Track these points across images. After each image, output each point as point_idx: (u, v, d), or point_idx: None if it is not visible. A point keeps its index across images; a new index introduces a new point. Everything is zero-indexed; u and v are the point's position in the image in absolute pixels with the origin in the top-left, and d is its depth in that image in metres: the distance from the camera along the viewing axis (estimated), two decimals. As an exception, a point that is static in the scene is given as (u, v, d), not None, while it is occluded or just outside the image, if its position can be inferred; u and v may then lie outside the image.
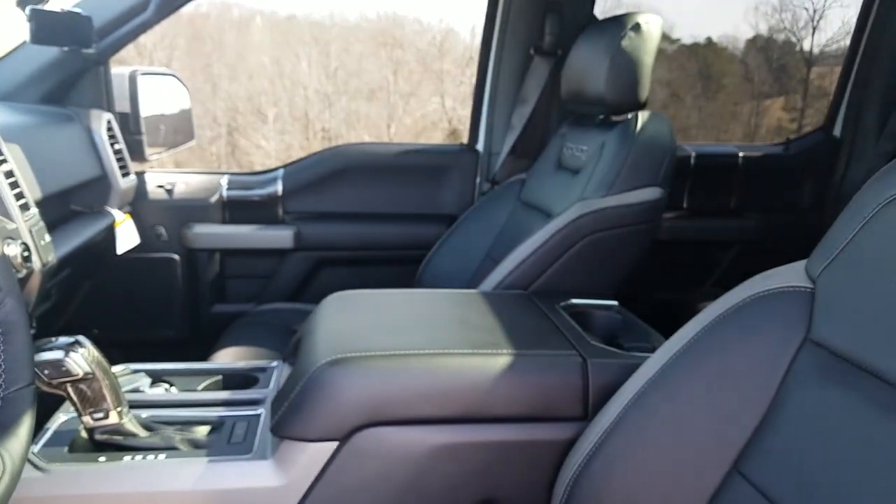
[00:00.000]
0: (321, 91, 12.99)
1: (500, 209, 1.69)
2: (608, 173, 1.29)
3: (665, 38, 13.37)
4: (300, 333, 1.07)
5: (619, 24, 1.36)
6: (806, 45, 13.58)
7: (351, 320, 1.01)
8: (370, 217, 1.93)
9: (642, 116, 1.36)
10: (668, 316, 1.13)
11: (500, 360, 0.88)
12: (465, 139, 2.03)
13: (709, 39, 13.57)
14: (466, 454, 0.87)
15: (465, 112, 2.00)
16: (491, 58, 1.88)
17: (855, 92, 1.99)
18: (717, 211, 2.03)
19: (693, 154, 1.99)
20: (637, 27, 1.35)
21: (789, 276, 0.75)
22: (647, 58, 1.36)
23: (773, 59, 13.63)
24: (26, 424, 0.62)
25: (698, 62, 13.08)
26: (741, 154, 2.02)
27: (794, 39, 13.79)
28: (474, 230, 1.70)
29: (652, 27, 1.37)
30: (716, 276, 2.04)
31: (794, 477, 0.65)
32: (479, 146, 1.96)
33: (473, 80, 1.98)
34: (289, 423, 0.84)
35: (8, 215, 1.03)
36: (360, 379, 0.84)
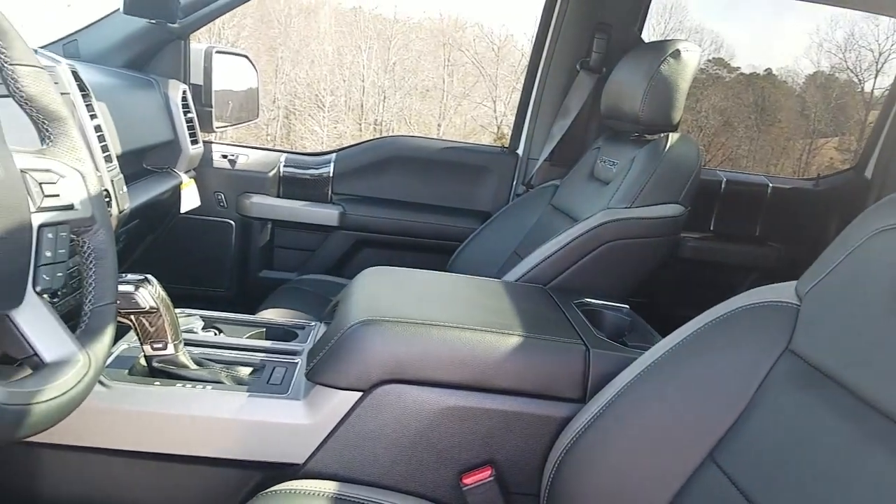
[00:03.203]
0: (378, 84, 13.19)
1: (531, 211, 1.79)
2: (633, 187, 1.38)
3: (723, 65, 13.20)
4: (338, 299, 1.18)
5: (661, 49, 1.45)
6: (868, 87, 13.19)
7: (384, 291, 1.11)
8: (411, 205, 2.05)
9: (672, 137, 1.44)
10: None
11: (511, 339, 0.97)
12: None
13: (768, 71, 13.31)
14: (472, 418, 0.95)
15: (515, 119, 2.10)
16: (539, 70, 1.98)
17: (890, 136, 2.03)
18: (741, 237, 2.09)
19: (724, 180, 2.06)
20: (677, 54, 1.43)
21: (780, 292, 0.83)
22: (683, 84, 1.45)
23: (833, 97, 13.29)
24: (109, 333, 0.73)
25: (754, 93, 12.88)
26: (771, 185, 2.08)
27: (856, 80, 13.40)
28: (505, 228, 1.80)
29: (691, 55, 1.45)
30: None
31: (762, 470, 0.72)
32: (520, 150, 2.06)
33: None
34: (322, 371, 0.95)
35: (95, 164, 1.16)
36: (387, 340, 0.94)
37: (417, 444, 0.95)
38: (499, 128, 12.65)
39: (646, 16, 1.91)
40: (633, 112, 1.46)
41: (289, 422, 0.94)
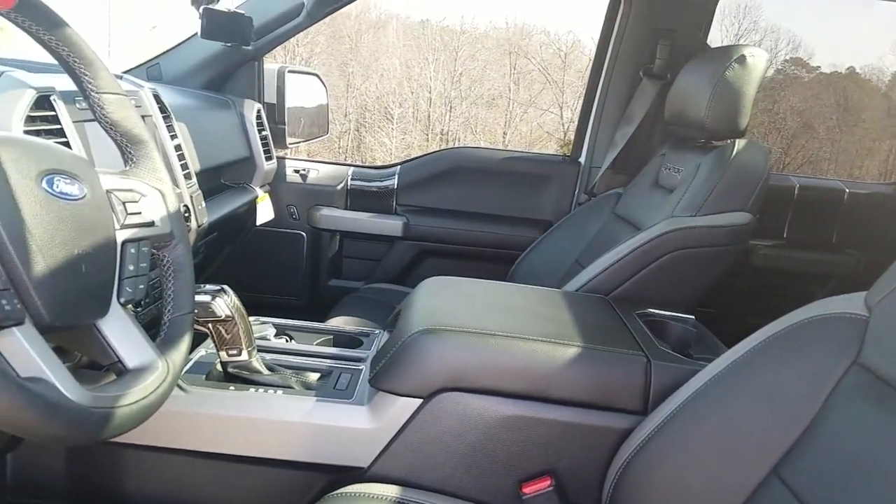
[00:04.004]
0: (444, 95, 13.32)
1: (594, 219, 1.78)
2: (699, 194, 1.35)
3: (802, 65, 12.58)
4: (400, 307, 1.21)
5: (726, 54, 1.42)
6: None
7: (444, 300, 1.14)
8: (473, 215, 2.08)
9: (739, 143, 1.40)
10: None
11: (571, 350, 0.97)
12: (576, 151, 2.13)
13: (850, 70, 12.57)
14: (531, 428, 0.96)
15: (583, 124, 2.09)
16: (601, 77, 1.97)
17: None
18: (816, 244, 2.00)
19: (797, 185, 1.98)
20: (742, 59, 1.40)
21: (848, 303, 0.80)
22: (750, 89, 1.41)
23: (923, 95, 12.41)
24: (186, 342, 0.77)
25: (836, 93, 12.19)
26: (847, 190, 1.98)
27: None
28: (567, 237, 1.80)
29: (757, 60, 1.41)
30: None
31: (828, 485, 0.70)
32: (582, 159, 2.06)
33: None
34: (384, 377, 0.98)
35: (175, 182, 1.23)
36: (446, 348, 0.96)
37: (477, 452, 0.97)
38: (565, 134, 12.52)
39: (711, 21, 1.88)
40: (698, 118, 1.44)
41: (354, 426, 0.98)
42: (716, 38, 1.90)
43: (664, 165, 1.61)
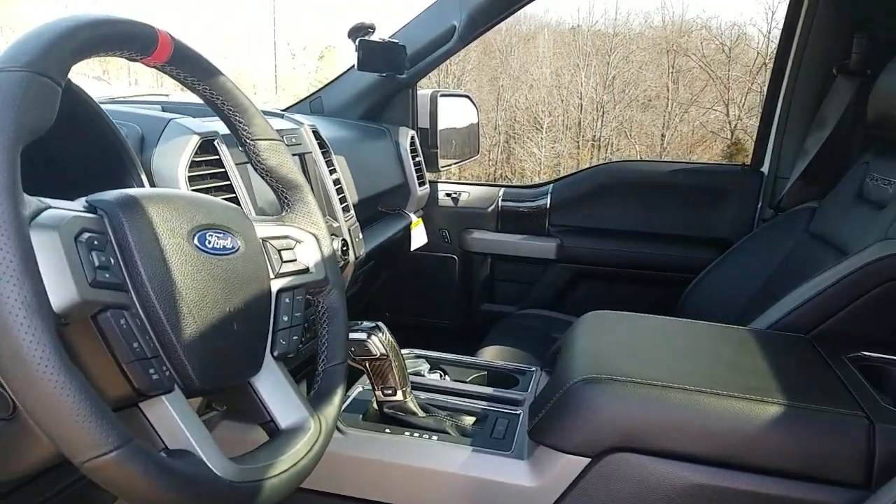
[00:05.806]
0: (596, 100, 13.01)
1: (783, 239, 1.56)
2: None
3: None
4: (558, 345, 1.12)
5: None
6: None
7: (609, 341, 1.03)
8: (634, 235, 1.95)
9: None
10: None
11: (770, 409, 0.83)
12: (748, 150, 1.92)
13: None
14: (723, 500, 0.83)
15: (752, 122, 1.90)
16: (786, 76, 1.76)
17: None
18: None
19: None
20: None
21: None
22: None
23: None
24: (339, 395, 0.74)
25: None
26: None
27: None
28: (751, 259, 1.60)
29: None
30: None
31: None
32: (764, 168, 1.85)
33: (764, 87, 1.87)
34: (545, 430, 0.90)
35: (334, 215, 1.25)
36: (616, 402, 0.86)
37: None
38: (733, 132, 11.62)
39: None
40: None
41: (514, 482, 0.92)
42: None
43: (868, 175, 1.37)
